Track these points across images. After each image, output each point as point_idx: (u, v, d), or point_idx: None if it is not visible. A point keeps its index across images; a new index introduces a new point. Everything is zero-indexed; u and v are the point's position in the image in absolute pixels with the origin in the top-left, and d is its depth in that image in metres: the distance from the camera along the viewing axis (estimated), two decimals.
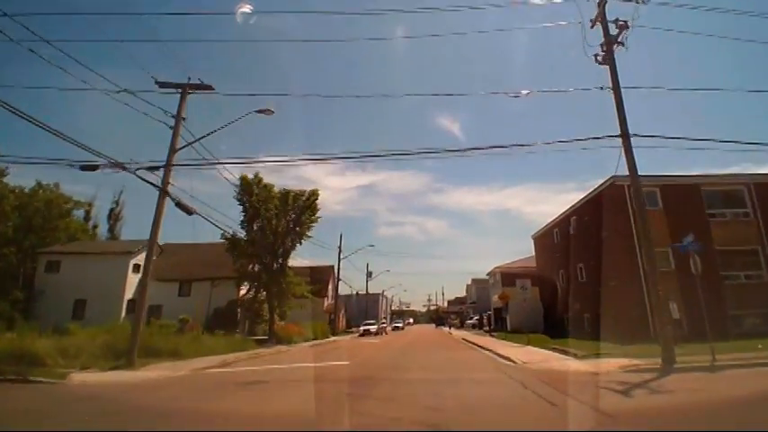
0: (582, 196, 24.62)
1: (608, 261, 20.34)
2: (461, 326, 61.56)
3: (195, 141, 15.52)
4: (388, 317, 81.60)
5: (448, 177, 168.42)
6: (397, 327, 63.33)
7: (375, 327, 44.63)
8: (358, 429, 5.76)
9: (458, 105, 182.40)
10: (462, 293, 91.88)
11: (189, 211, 16.12)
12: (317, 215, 28.33)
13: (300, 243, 27.97)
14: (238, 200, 25.87)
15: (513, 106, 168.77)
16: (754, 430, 5.58)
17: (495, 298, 45.80)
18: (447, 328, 57.35)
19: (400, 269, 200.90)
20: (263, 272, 26.06)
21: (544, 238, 31.87)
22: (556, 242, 28.67)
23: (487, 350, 18.34)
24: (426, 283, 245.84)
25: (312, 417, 6.37)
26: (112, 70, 13.29)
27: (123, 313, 28.41)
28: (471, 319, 57.40)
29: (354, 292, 66.11)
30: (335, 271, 45.21)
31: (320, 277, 46.62)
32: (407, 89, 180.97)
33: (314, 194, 27.68)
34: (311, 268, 45.92)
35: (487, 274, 50.33)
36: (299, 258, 45.47)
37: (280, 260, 27.09)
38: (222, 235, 25.16)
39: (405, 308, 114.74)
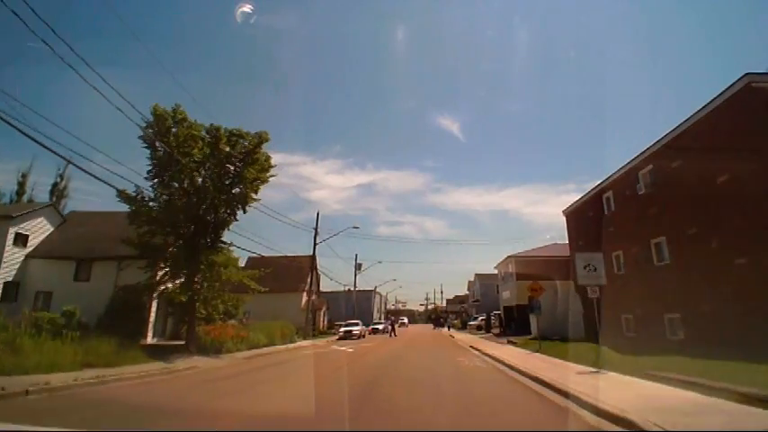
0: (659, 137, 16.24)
1: (731, 225, 12.05)
2: (463, 327, 53.67)
3: None
4: (382, 316, 72.98)
5: (447, 177, 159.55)
6: (377, 329, 44.00)
7: (359, 328, 36.19)
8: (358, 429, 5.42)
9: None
10: (462, 292, 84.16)
11: None
12: (268, 173, 19.81)
13: (244, 210, 19.42)
14: (145, 141, 17.38)
15: (513, 107, 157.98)
16: None
17: (506, 294, 37.53)
18: (447, 330, 48.87)
19: (397, 268, 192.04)
20: (178, 248, 17.72)
21: (585, 211, 22.81)
22: (608, 212, 20.08)
23: (532, 379, 9.90)
24: (424, 281, 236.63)
25: None
26: None
27: None
28: (475, 319, 49.29)
29: (347, 288, 58.12)
30: (314, 260, 36.76)
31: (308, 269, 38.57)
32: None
33: (261, 138, 19.09)
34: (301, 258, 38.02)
35: (496, 267, 41.91)
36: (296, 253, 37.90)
37: (211, 234, 18.78)
38: (118, 193, 16.98)
39: (401, 306, 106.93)
